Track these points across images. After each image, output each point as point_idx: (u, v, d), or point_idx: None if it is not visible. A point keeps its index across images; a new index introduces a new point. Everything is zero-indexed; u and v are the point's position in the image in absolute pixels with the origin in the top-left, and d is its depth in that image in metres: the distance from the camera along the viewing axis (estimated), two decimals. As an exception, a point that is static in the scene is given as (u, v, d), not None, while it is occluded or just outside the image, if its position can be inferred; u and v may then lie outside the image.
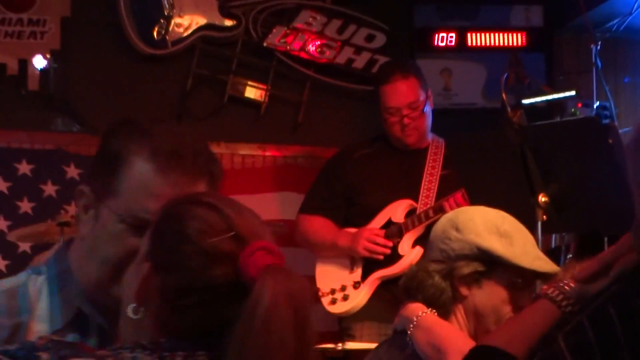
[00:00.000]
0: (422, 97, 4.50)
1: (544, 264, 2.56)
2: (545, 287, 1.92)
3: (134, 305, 1.58)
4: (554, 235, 4.43)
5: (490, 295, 2.58)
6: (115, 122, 1.89)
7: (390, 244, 4.39)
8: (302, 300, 1.50)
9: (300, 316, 1.48)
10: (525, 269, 2.54)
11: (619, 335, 1.55)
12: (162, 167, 1.80)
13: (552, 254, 4.13)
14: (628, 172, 1.69)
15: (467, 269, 2.58)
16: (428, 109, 4.53)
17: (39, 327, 1.85)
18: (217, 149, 5.49)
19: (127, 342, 1.57)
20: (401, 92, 4.47)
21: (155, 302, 1.56)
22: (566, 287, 1.88)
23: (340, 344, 3.81)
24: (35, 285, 1.90)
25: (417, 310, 2.63)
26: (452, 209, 4.14)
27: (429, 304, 2.61)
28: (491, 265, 2.56)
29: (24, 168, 5.22)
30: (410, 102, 4.47)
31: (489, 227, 2.58)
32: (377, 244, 4.39)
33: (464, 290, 2.60)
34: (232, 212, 1.57)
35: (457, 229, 2.62)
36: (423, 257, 2.89)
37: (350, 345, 3.91)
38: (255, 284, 1.48)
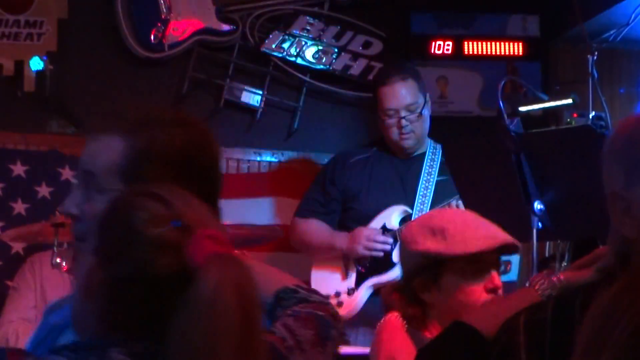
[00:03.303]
0: (420, 100, 4.51)
1: (484, 242, 2.62)
2: (535, 276, 1.98)
3: (80, 299, 1.59)
4: (548, 243, 4.43)
5: (451, 292, 2.66)
6: None
7: (390, 240, 4.39)
8: (248, 287, 1.49)
9: (246, 303, 1.48)
10: (466, 255, 2.61)
11: (575, 320, 1.57)
12: None
13: (546, 261, 4.14)
14: (603, 178, 1.74)
15: (419, 280, 2.69)
16: (426, 113, 4.54)
17: None
18: (212, 153, 5.49)
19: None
20: (400, 94, 4.48)
21: (100, 296, 1.56)
22: (554, 279, 1.93)
23: (333, 349, 3.81)
24: None
25: (388, 314, 2.76)
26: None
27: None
28: (438, 265, 2.65)
29: (19, 169, 5.21)
30: (409, 104, 4.48)
31: (422, 230, 2.68)
32: (377, 242, 4.39)
33: (427, 298, 2.70)
34: (178, 202, 1.57)
35: (402, 246, 2.77)
36: None
37: (344, 349, 3.91)
38: (199, 272, 1.49)
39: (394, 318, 2.76)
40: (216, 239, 1.53)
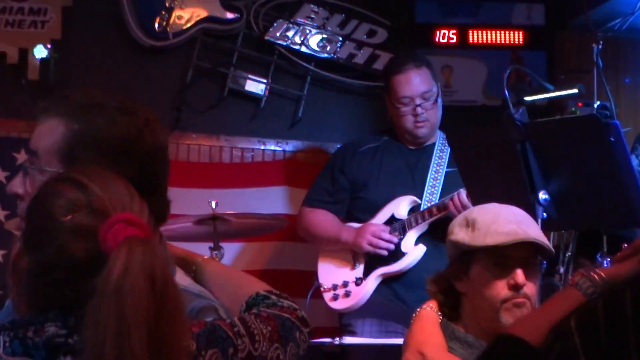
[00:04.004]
0: (434, 89, 4.50)
1: (503, 237, 2.62)
2: (574, 275, 1.95)
3: (11, 282, 1.65)
4: (552, 233, 4.43)
5: (478, 283, 2.69)
6: None
7: (395, 239, 4.38)
8: (160, 271, 1.52)
9: (157, 286, 1.50)
10: (485, 247, 2.63)
11: (628, 317, 1.55)
12: None
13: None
14: None
15: (453, 268, 2.74)
16: (440, 102, 4.53)
17: None
18: (216, 142, 5.49)
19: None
20: (415, 82, 4.47)
21: (27, 280, 1.61)
22: (595, 276, 1.90)
23: (337, 339, 3.80)
24: None
25: (425, 304, 2.77)
26: (456, 207, 4.15)
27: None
28: (468, 255, 2.68)
29: (23, 157, 5.20)
30: (424, 91, 4.47)
31: (460, 221, 2.73)
32: (382, 239, 4.38)
33: (460, 287, 2.74)
34: (96, 186, 1.60)
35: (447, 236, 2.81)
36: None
37: (349, 340, 3.91)
38: (110, 256, 1.52)
39: (428, 309, 2.77)
40: (131, 223, 1.56)
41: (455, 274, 2.73)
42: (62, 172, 1.71)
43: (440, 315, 2.76)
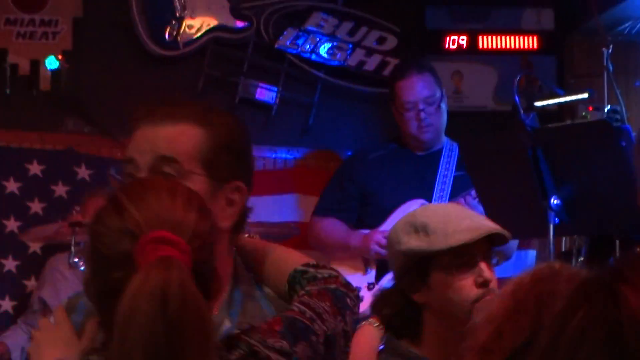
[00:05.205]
0: (438, 94, 4.52)
1: (467, 234, 2.48)
2: None
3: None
4: (565, 238, 4.43)
5: (441, 290, 2.52)
6: None
7: None
8: (177, 294, 1.44)
9: (169, 311, 1.43)
10: (449, 249, 2.48)
11: None
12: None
13: (563, 257, 4.13)
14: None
15: (407, 279, 2.55)
16: (444, 107, 4.55)
17: None
18: (227, 150, 5.49)
19: None
20: (417, 87, 4.50)
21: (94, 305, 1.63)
22: None
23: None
24: None
25: (366, 322, 2.66)
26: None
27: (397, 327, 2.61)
28: (425, 263, 2.52)
29: (35, 168, 5.23)
30: (427, 96, 4.49)
31: (406, 229, 2.56)
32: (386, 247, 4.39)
33: (418, 299, 2.56)
34: (133, 206, 1.56)
35: (389, 248, 2.66)
36: None
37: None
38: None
39: (369, 328, 2.64)
40: (160, 241, 1.51)
41: (412, 285, 2.55)
42: (110, 191, 1.66)
43: (386, 332, 2.60)
